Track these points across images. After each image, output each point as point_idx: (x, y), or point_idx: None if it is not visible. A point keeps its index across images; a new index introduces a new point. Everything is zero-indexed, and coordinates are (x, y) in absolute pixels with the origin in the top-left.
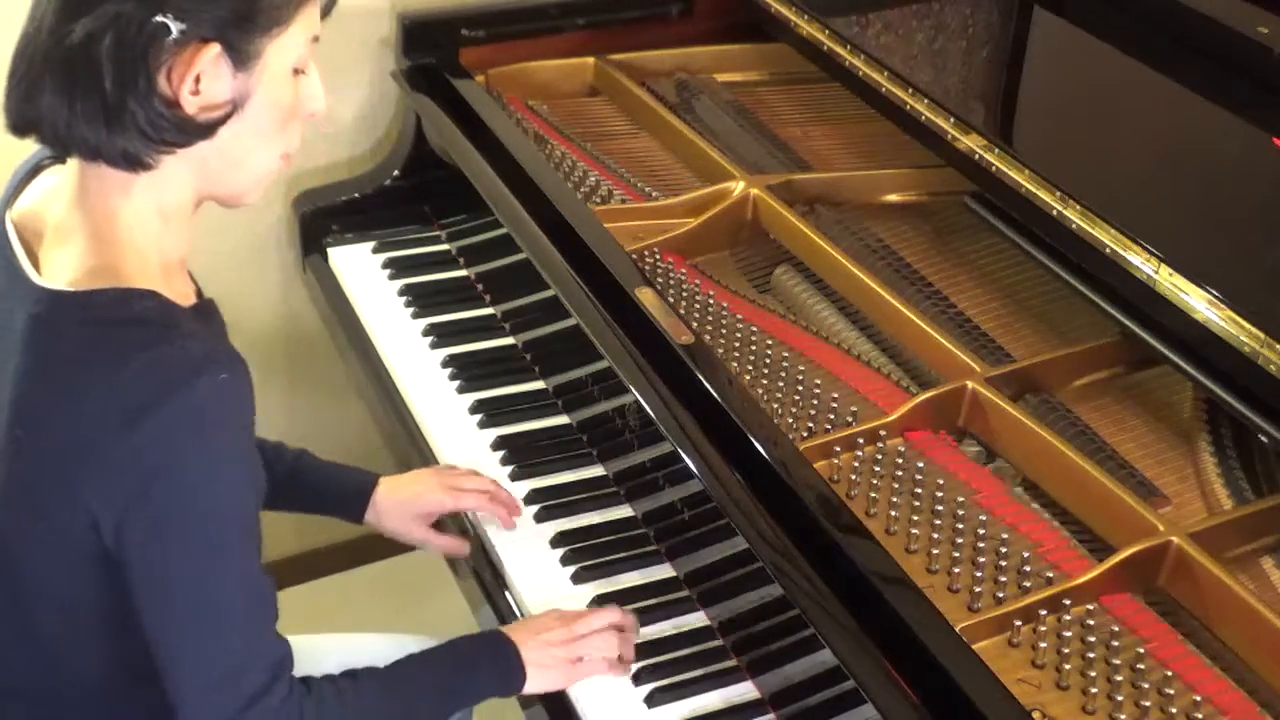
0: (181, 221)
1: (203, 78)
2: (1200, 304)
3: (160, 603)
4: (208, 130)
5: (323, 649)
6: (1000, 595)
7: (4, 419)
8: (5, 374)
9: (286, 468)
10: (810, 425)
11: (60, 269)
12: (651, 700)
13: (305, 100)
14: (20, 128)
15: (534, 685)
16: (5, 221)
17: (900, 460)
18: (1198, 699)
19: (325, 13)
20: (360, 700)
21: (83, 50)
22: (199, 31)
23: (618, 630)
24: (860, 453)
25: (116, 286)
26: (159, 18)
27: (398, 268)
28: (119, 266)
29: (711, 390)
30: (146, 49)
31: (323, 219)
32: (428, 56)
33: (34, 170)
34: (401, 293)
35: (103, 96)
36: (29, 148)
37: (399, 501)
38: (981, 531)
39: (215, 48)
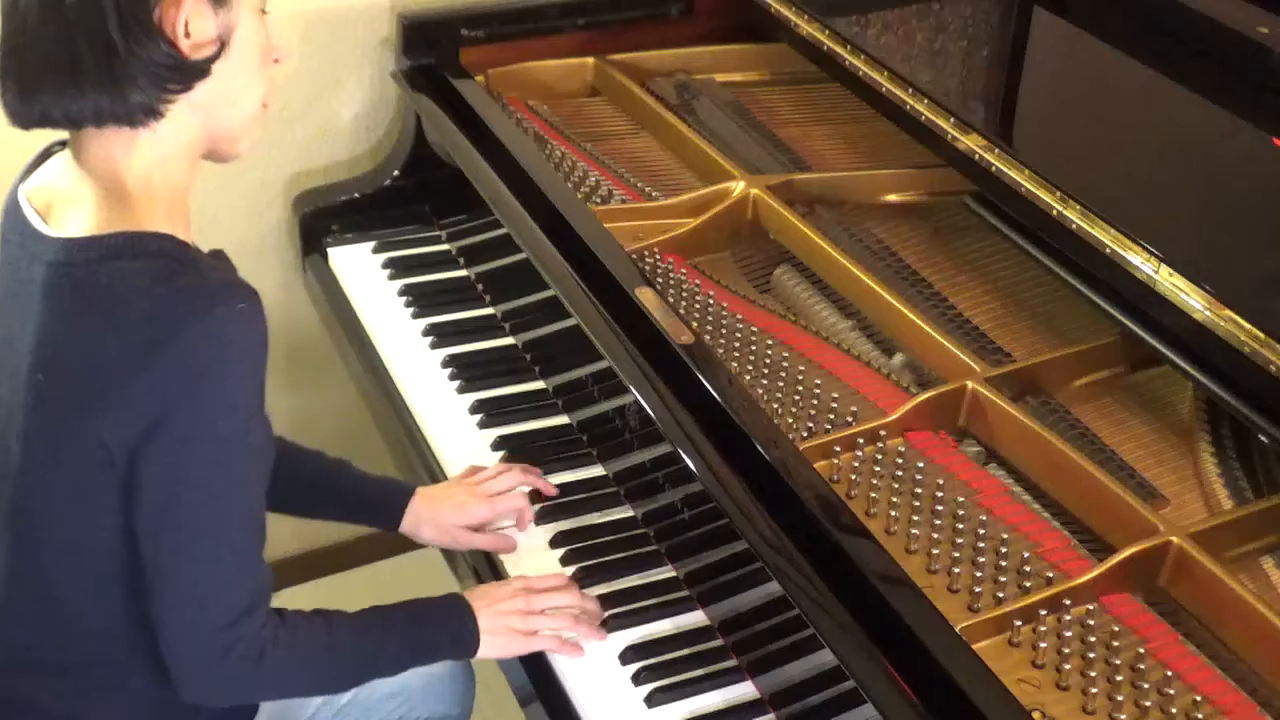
0: (184, 165)
1: (190, 19)
2: (1200, 304)
3: (164, 521)
4: (204, 69)
5: None
6: (1000, 595)
7: (24, 373)
8: (27, 330)
9: (323, 472)
10: (810, 425)
11: (74, 225)
12: (651, 700)
13: (273, 40)
14: (27, 124)
15: (486, 652)
16: (19, 195)
17: (900, 460)
18: (1198, 699)
19: None
20: (331, 637)
21: (84, 5)
22: None
23: (578, 610)
24: (860, 453)
25: (130, 230)
26: None
27: (398, 268)
28: (131, 214)
29: (711, 390)
30: None
31: (323, 219)
32: (428, 56)
33: (44, 155)
34: (401, 293)
35: (109, 53)
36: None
37: (440, 512)
38: (981, 531)
39: None
